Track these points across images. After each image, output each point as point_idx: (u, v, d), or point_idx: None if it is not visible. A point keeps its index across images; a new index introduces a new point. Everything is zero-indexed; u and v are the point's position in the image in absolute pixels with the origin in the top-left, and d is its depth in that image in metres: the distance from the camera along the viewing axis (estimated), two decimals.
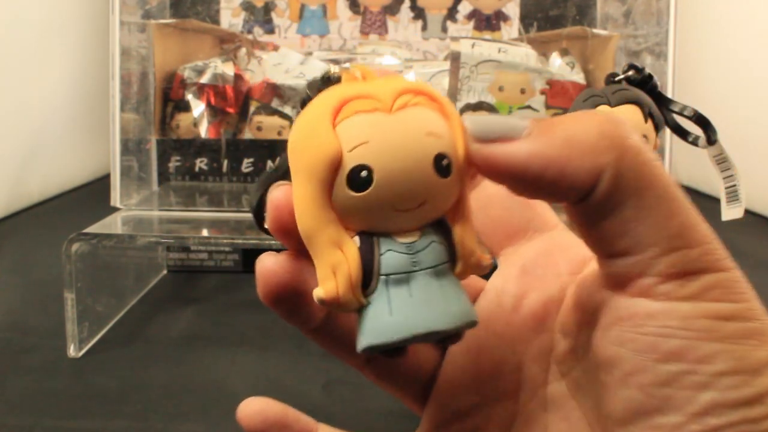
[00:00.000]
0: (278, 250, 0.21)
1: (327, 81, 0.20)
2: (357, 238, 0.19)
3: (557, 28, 0.73)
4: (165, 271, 0.62)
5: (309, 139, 0.18)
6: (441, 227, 0.19)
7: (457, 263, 0.19)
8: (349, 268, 0.18)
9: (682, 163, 1.02)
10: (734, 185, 0.45)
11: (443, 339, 0.19)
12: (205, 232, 0.48)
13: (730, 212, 0.46)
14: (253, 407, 0.23)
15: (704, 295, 0.17)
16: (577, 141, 0.17)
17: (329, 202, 0.18)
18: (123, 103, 0.58)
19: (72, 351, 0.44)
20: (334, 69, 0.20)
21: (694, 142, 0.44)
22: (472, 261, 0.19)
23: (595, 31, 0.67)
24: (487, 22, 0.78)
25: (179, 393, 0.40)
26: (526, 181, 0.18)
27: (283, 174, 0.20)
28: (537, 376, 0.22)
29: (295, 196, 0.19)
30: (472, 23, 0.78)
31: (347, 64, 0.71)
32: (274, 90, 0.65)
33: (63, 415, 0.37)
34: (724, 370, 0.17)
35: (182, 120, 0.64)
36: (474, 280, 0.23)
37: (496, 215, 0.24)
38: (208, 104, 0.63)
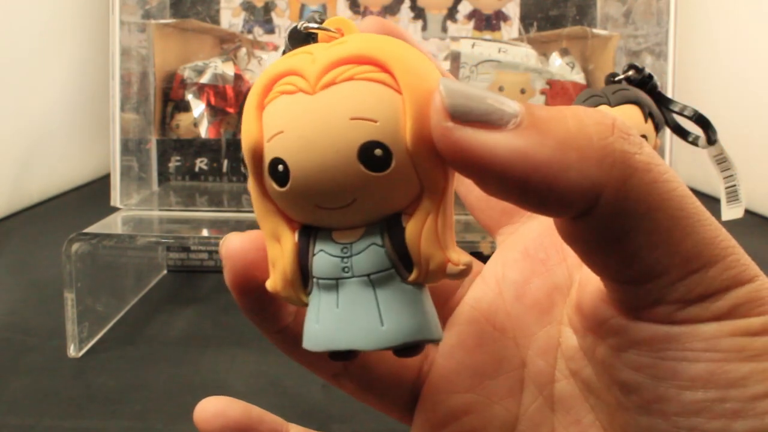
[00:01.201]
0: None
1: (301, 36, 0.17)
2: (295, 234, 0.17)
3: (557, 28, 0.73)
4: (165, 271, 0.62)
5: (243, 122, 0.16)
6: (392, 226, 0.16)
7: (412, 269, 0.16)
8: (285, 266, 0.17)
9: (682, 163, 1.02)
10: (734, 185, 0.45)
11: (396, 353, 0.17)
12: (205, 232, 0.48)
13: (730, 212, 0.46)
14: (211, 409, 0.21)
15: (732, 313, 0.15)
16: (576, 147, 0.14)
17: (265, 191, 0.16)
18: (123, 103, 0.58)
19: (72, 351, 0.44)
20: (311, 22, 0.17)
21: (694, 142, 0.44)
22: (431, 268, 0.16)
23: (595, 31, 0.67)
24: (487, 22, 0.78)
25: (179, 393, 0.40)
26: (509, 184, 0.14)
27: None
28: (543, 373, 0.20)
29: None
30: (472, 23, 0.78)
31: None
32: None
33: (63, 415, 0.37)
34: (760, 393, 0.15)
35: (182, 120, 0.64)
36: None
37: None
38: (208, 104, 0.63)
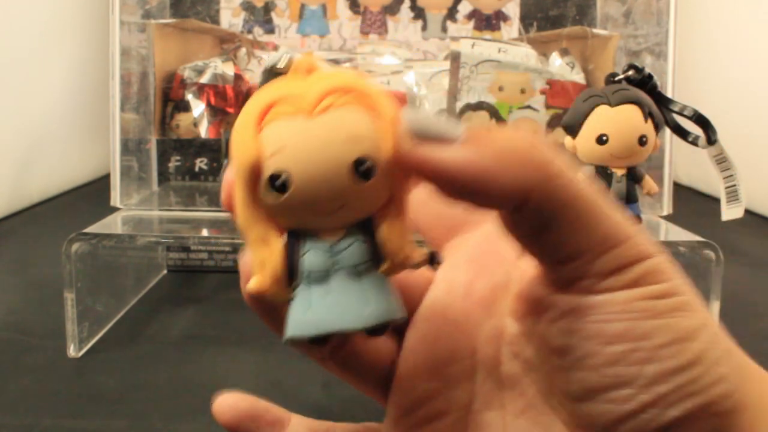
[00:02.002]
0: None
1: (274, 72, 0.20)
2: (285, 236, 0.19)
3: (557, 28, 0.73)
4: (165, 271, 0.62)
5: (237, 141, 0.19)
6: (368, 226, 0.20)
7: (384, 261, 0.20)
8: (275, 265, 0.19)
9: (682, 163, 1.02)
10: (734, 185, 0.45)
11: (369, 332, 0.20)
12: (205, 232, 0.48)
13: (730, 212, 0.46)
14: (225, 402, 0.26)
15: (639, 282, 0.19)
16: (508, 157, 0.18)
17: (256, 202, 0.19)
18: (123, 103, 0.58)
19: (72, 351, 0.44)
20: (284, 58, 0.20)
21: (694, 142, 0.44)
22: (399, 259, 0.20)
23: (595, 31, 0.67)
24: (487, 22, 0.78)
25: (179, 393, 0.40)
26: (458, 186, 0.19)
27: None
28: (491, 358, 0.23)
29: (234, 194, 0.20)
30: (472, 23, 0.78)
31: (346, 64, 0.71)
32: None
33: (63, 415, 0.37)
34: (663, 343, 0.19)
35: (182, 120, 0.64)
36: (424, 271, 0.25)
37: (436, 211, 0.25)
38: (208, 104, 0.63)
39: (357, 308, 0.19)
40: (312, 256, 0.19)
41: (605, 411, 0.20)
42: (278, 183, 0.18)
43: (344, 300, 0.19)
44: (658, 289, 0.19)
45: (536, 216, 0.19)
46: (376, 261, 0.20)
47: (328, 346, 0.20)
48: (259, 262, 0.20)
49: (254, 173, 0.18)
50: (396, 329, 0.24)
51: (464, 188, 0.19)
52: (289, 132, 0.18)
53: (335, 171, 0.18)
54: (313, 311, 0.19)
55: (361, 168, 0.18)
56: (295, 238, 0.20)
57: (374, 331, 0.20)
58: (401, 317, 0.21)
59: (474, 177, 0.18)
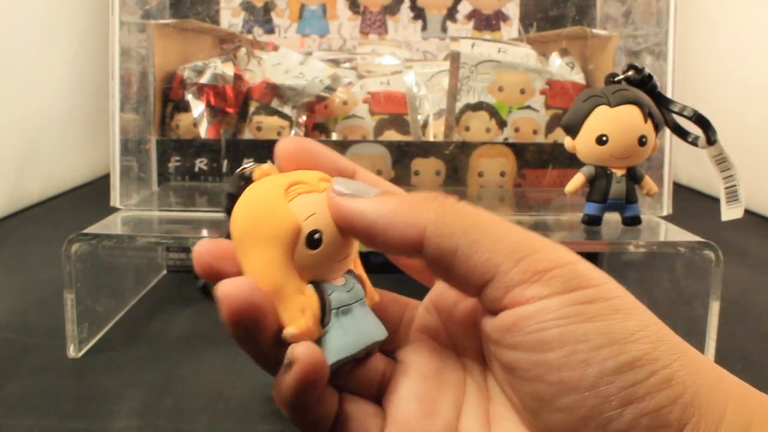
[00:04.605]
0: None
1: (247, 178, 0.25)
2: (310, 286, 0.24)
3: (557, 28, 0.73)
4: (165, 271, 0.62)
5: (270, 216, 0.24)
6: (352, 273, 0.26)
7: (365, 295, 0.26)
8: (313, 308, 0.24)
9: (682, 163, 1.02)
10: (734, 185, 0.45)
11: (366, 354, 0.26)
12: (205, 232, 0.48)
13: (730, 212, 0.46)
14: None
15: (565, 288, 0.21)
16: (406, 203, 0.23)
17: (291, 261, 0.24)
18: (123, 103, 0.58)
19: (72, 351, 0.44)
20: (248, 167, 0.25)
21: (694, 142, 0.44)
22: (374, 296, 0.27)
23: (595, 31, 0.67)
24: (487, 22, 0.78)
25: (179, 393, 0.40)
26: (368, 231, 0.23)
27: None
28: (478, 373, 0.26)
29: (255, 263, 0.24)
30: (471, 23, 0.78)
31: (346, 64, 0.71)
32: (274, 90, 0.65)
33: (63, 415, 0.37)
34: (599, 344, 0.20)
35: (182, 120, 0.64)
36: (399, 297, 0.29)
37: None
38: (208, 104, 0.63)
39: (375, 327, 0.26)
40: (337, 296, 0.25)
41: (561, 420, 0.20)
42: (315, 239, 0.24)
43: (366, 322, 0.25)
44: (587, 294, 0.21)
45: (439, 246, 0.22)
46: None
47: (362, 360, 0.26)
48: (299, 309, 0.24)
49: (296, 235, 0.23)
50: (385, 352, 0.27)
51: (371, 232, 0.23)
52: (314, 202, 0.24)
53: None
54: (350, 334, 0.24)
55: None
56: (319, 286, 0.24)
57: (368, 353, 0.26)
58: (386, 335, 0.26)
59: (376, 221, 0.22)
